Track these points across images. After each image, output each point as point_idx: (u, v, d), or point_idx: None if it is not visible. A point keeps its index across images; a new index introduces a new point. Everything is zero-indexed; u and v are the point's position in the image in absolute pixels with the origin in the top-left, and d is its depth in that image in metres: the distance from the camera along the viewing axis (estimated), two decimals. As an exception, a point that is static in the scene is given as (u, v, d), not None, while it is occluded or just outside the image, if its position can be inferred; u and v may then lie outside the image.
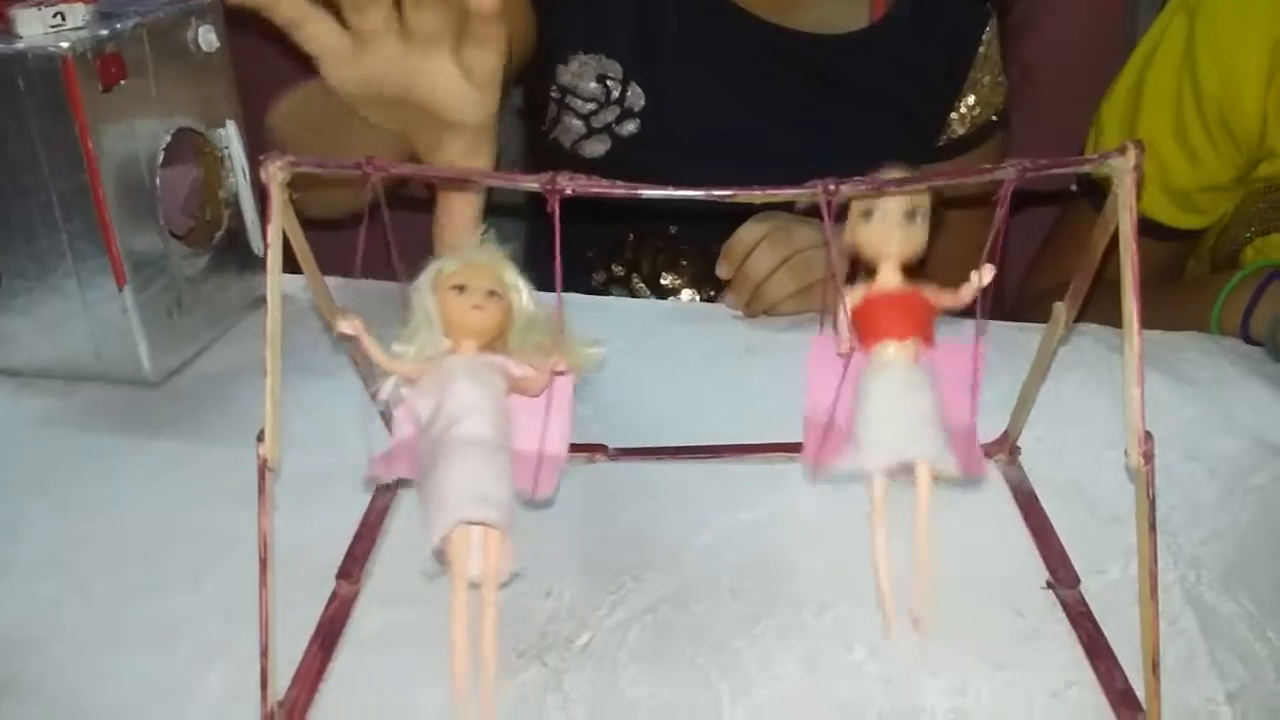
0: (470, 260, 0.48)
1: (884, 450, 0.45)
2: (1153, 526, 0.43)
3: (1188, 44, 0.92)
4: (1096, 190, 1.00)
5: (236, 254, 0.77)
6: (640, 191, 0.43)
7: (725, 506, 0.59)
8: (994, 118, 1.08)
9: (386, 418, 0.54)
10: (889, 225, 0.47)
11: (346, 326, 0.45)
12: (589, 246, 1.05)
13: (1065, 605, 0.51)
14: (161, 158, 0.69)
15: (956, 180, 0.45)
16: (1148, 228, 0.98)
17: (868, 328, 0.48)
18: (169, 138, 0.70)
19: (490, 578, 0.43)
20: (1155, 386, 0.68)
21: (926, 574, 0.45)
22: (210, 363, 0.74)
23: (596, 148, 0.99)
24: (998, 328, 0.75)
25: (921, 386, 0.46)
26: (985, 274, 0.46)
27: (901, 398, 0.46)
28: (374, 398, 0.51)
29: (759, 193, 0.44)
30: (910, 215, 0.47)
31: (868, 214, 0.47)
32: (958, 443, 0.46)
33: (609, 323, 0.81)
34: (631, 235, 1.04)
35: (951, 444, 0.46)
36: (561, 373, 0.48)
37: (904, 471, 0.46)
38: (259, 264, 0.78)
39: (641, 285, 1.04)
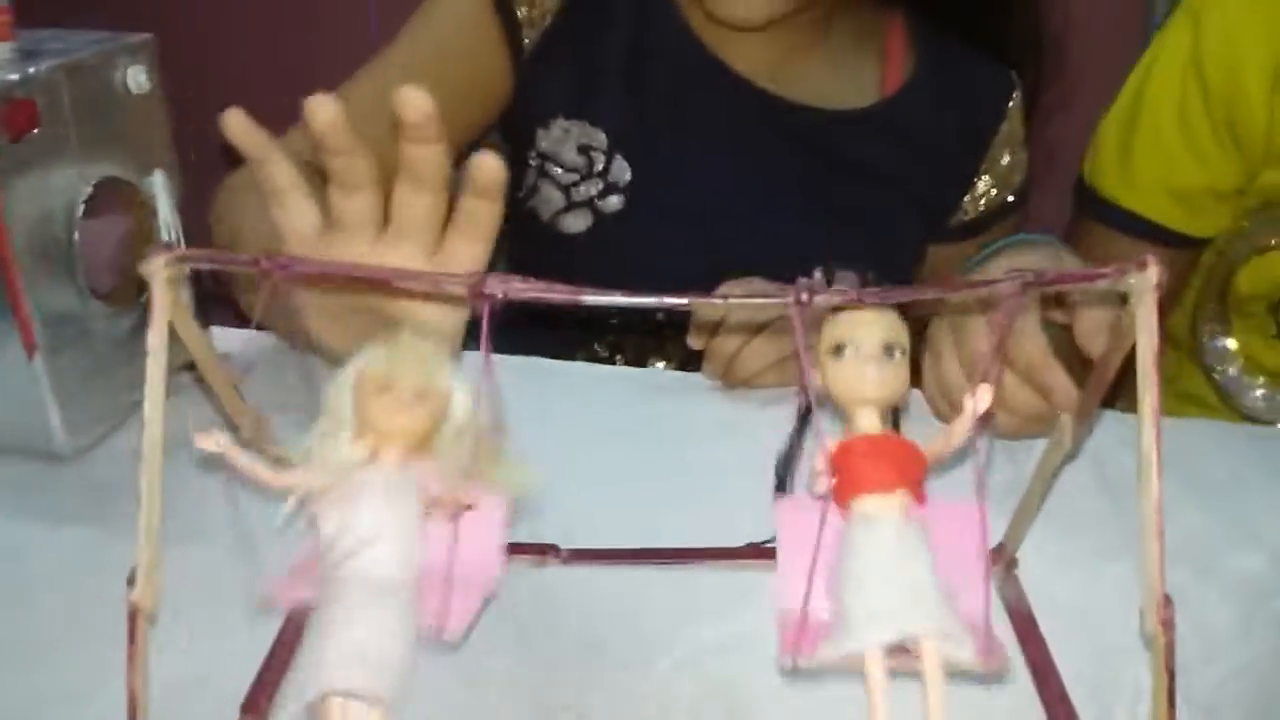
0: (398, 358, 0.42)
1: (880, 624, 0.37)
2: (1171, 703, 0.37)
3: (1194, 46, 0.88)
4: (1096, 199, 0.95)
5: (169, 311, 0.71)
6: (583, 298, 0.37)
7: (689, 622, 0.53)
8: (1010, 198, 0.99)
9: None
10: (863, 362, 0.39)
11: (208, 443, 0.39)
12: (571, 324, 0.98)
13: (1068, 765, 0.45)
14: (82, 210, 0.63)
15: (954, 294, 0.38)
16: (1146, 231, 0.92)
17: (846, 479, 0.39)
18: (90, 189, 0.63)
19: None
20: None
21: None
22: (132, 436, 0.68)
23: (578, 222, 0.92)
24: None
25: (917, 546, 0.38)
26: (981, 398, 0.39)
27: (895, 558, 0.38)
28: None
29: (719, 302, 0.38)
30: (888, 350, 0.39)
31: (838, 350, 0.40)
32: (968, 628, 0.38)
33: (571, 392, 0.75)
34: (614, 318, 0.97)
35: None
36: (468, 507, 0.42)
37: (903, 653, 0.37)
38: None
39: (626, 368, 0.98)
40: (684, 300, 0.37)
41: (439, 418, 0.42)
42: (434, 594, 0.41)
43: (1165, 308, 0.99)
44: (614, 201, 0.91)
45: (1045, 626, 0.52)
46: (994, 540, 0.55)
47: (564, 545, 0.57)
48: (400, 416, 0.41)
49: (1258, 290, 0.90)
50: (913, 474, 0.40)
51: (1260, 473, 0.64)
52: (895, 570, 0.38)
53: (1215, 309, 0.96)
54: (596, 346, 0.97)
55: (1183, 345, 0.99)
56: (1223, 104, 0.86)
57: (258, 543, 0.55)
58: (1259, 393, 0.95)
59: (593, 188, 0.91)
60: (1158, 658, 0.37)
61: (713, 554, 0.57)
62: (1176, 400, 1.00)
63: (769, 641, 0.51)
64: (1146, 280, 0.37)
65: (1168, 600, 0.37)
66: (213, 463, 0.39)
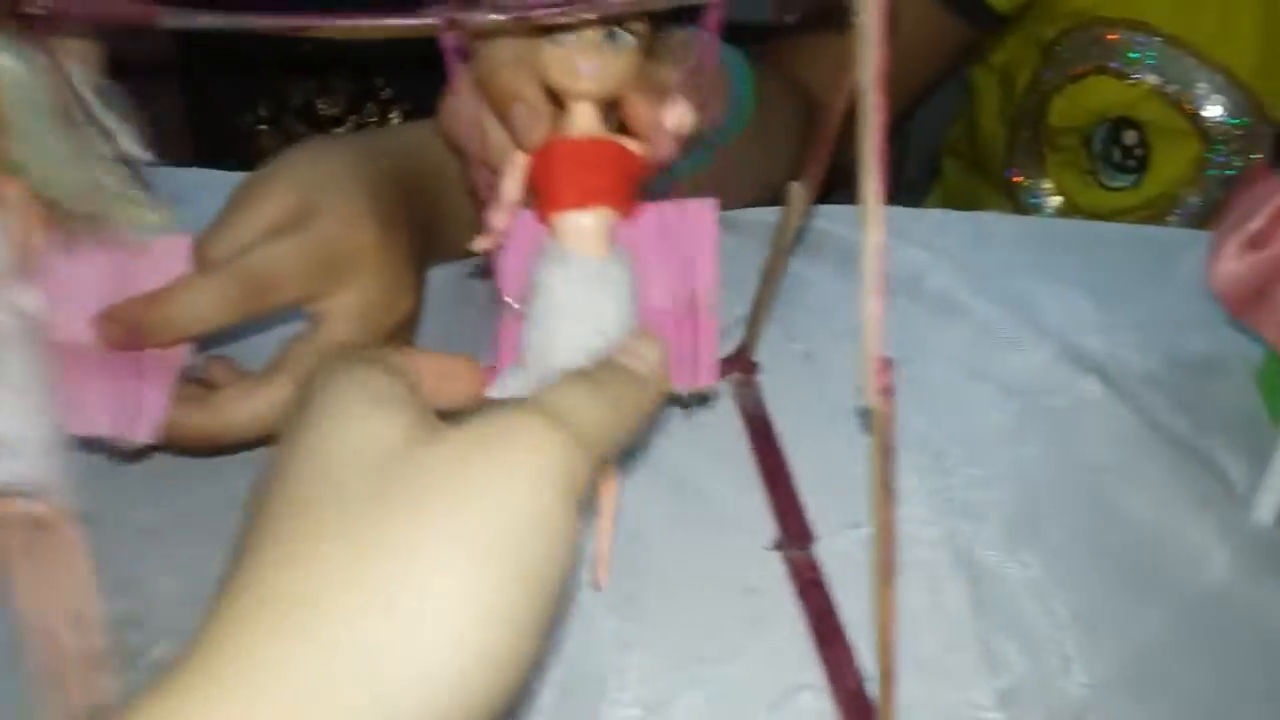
0: None
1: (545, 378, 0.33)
2: (888, 487, 0.30)
3: None
4: None
5: None
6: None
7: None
8: None
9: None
10: (583, 48, 0.33)
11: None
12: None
13: (795, 571, 0.39)
14: None
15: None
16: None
17: (547, 191, 0.34)
18: None
19: None
20: (941, 276, 0.55)
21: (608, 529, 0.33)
22: None
23: None
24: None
25: (609, 286, 0.33)
26: (676, 115, 0.33)
27: (579, 304, 0.34)
28: None
29: (344, 23, 0.29)
30: (610, 35, 0.33)
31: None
32: (674, 339, 0.34)
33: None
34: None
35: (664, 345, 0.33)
36: None
37: None
38: None
39: (296, 123, 0.83)
40: (301, 21, 0.28)
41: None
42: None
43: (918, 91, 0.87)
44: None
45: (795, 431, 0.45)
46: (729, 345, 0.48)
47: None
48: None
49: (1071, 121, 0.83)
50: (623, 182, 0.34)
51: (1046, 264, 0.57)
52: (575, 321, 0.33)
53: (1029, 143, 0.89)
54: (259, 109, 0.82)
55: (992, 178, 0.92)
56: None
57: None
58: None
59: None
60: (877, 433, 0.30)
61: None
62: None
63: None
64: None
65: (887, 362, 0.30)
66: None
